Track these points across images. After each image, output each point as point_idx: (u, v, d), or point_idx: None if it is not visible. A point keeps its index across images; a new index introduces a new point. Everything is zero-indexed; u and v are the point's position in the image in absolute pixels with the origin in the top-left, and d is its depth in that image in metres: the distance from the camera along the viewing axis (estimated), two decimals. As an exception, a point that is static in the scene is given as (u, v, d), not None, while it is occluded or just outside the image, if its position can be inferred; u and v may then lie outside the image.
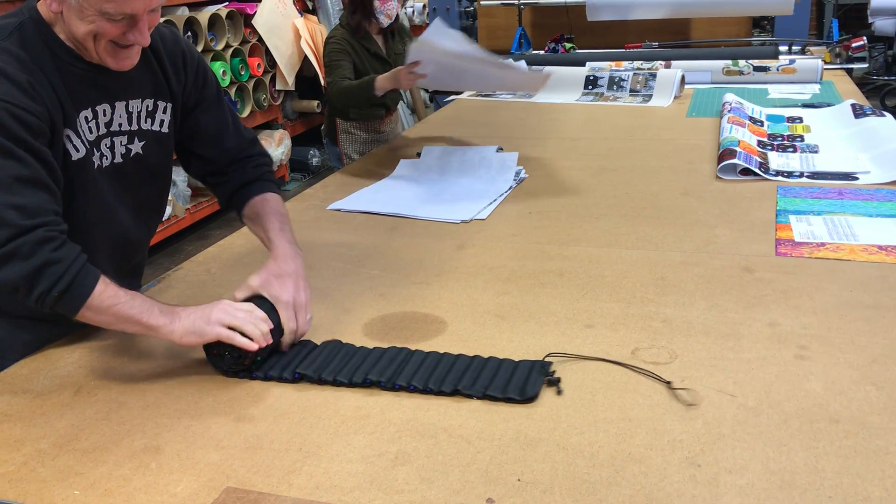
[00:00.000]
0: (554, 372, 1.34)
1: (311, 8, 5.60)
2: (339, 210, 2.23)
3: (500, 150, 2.53)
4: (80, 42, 1.33)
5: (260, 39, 4.92)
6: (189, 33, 4.29)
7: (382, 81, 2.59)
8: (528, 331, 1.50)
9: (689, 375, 1.31)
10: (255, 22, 4.85)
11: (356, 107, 3.03)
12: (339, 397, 1.31)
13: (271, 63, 5.07)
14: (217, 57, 4.53)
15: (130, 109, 1.48)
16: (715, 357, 1.37)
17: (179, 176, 4.28)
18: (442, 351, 1.41)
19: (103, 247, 1.52)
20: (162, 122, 1.55)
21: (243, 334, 1.32)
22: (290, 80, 5.20)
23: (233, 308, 1.35)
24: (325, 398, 1.31)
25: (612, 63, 3.87)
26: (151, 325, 1.30)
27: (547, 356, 1.38)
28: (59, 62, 1.35)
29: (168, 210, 4.15)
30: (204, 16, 4.38)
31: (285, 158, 5.27)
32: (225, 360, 1.36)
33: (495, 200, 2.23)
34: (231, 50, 4.64)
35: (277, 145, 5.16)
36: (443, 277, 1.76)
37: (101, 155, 1.45)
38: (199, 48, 4.34)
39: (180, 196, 4.36)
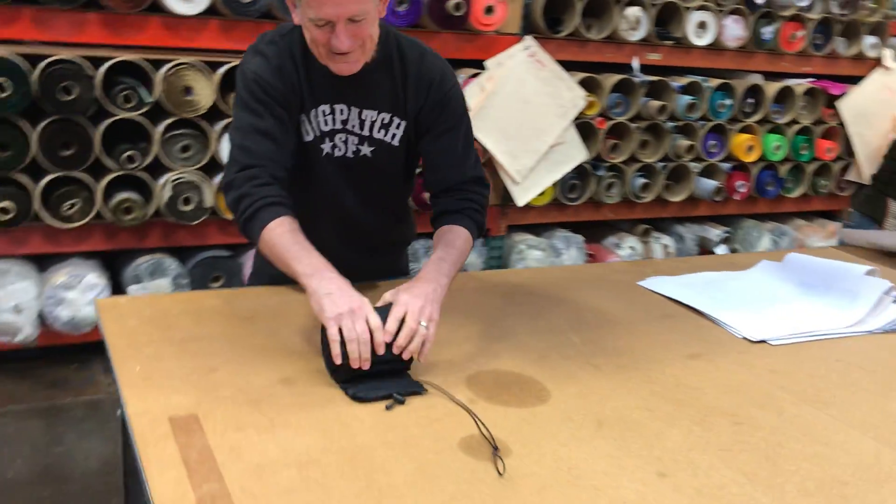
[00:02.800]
0: (403, 398, 1.36)
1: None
2: (649, 289, 2.09)
3: (872, 272, 2.04)
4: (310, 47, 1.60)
5: (841, 123, 4.54)
6: (752, 100, 4.23)
7: None
8: (599, 449, 1.30)
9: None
10: (842, 104, 4.49)
11: None
12: (338, 437, 1.35)
13: (849, 151, 4.64)
14: (776, 130, 4.36)
15: (363, 117, 1.70)
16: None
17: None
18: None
19: (329, 221, 1.80)
20: (394, 136, 1.73)
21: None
22: (868, 174, 4.68)
23: (362, 316, 1.37)
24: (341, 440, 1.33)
25: None
26: (296, 271, 1.48)
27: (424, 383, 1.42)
28: (310, 62, 1.64)
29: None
30: (772, 87, 4.26)
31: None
32: (325, 351, 1.44)
33: (817, 334, 1.84)
34: (797, 126, 4.41)
35: (827, 237, 4.72)
36: (620, 371, 1.59)
37: (334, 146, 1.72)
38: (756, 118, 4.25)
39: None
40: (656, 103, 3.91)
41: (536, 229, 4.10)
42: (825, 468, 1.29)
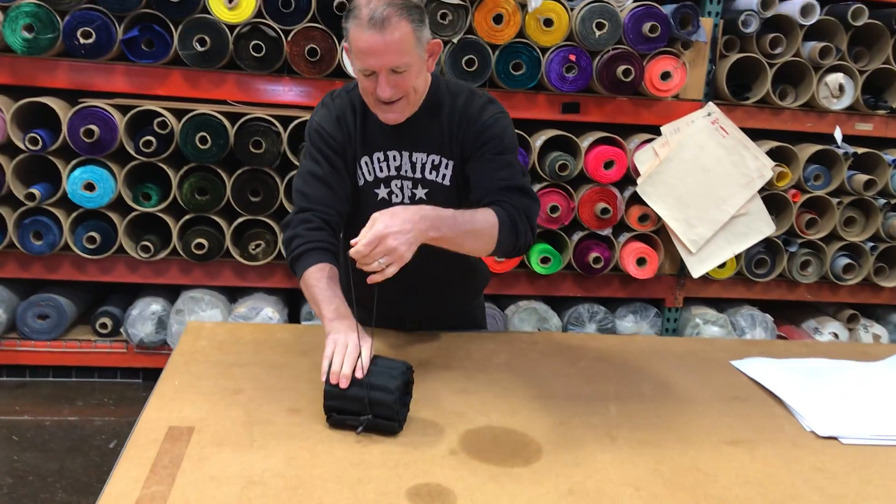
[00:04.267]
0: (358, 427, 1.43)
1: None
2: (739, 369, 1.94)
3: None
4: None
5: None
6: None
7: None
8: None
9: None
10: None
11: None
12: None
13: None
14: None
15: (414, 160, 1.78)
16: None
17: None
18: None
19: None
20: (444, 175, 1.79)
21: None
22: None
23: (356, 345, 1.50)
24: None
25: None
26: (322, 314, 1.62)
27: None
28: (367, 112, 1.76)
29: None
30: None
31: None
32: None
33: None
34: None
35: None
36: (635, 446, 1.50)
37: (391, 192, 1.81)
38: None
39: None
40: (863, 177, 3.56)
41: (720, 304, 3.87)
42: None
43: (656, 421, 1.62)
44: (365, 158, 1.80)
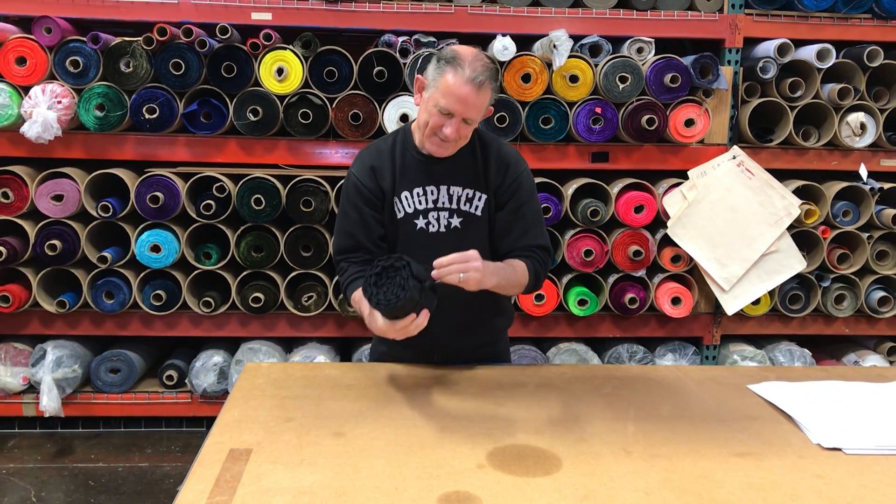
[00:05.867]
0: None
1: None
2: (756, 392, 2.07)
3: None
4: (419, 128, 1.98)
5: None
6: None
7: None
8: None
9: None
10: None
11: None
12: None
13: None
14: None
15: (451, 193, 2.03)
16: None
17: None
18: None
19: None
20: (477, 207, 2.05)
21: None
22: None
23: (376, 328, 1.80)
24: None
25: None
26: (362, 312, 1.88)
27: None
28: (405, 155, 2.04)
29: None
30: None
31: None
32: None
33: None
34: None
35: None
36: (649, 459, 1.65)
37: (428, 223, 2.05)
38: None
39: None
40: (892, 211, 3.65)
41: (759, 340, 3.96)
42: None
43: (672, 437, 1.76)
44: (405, 193, 2.04)
